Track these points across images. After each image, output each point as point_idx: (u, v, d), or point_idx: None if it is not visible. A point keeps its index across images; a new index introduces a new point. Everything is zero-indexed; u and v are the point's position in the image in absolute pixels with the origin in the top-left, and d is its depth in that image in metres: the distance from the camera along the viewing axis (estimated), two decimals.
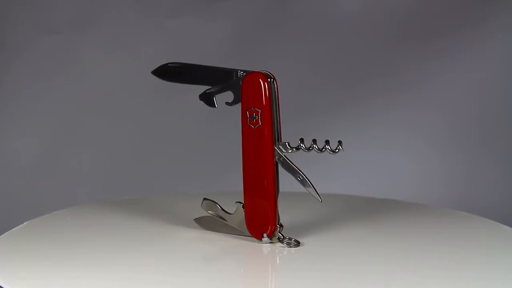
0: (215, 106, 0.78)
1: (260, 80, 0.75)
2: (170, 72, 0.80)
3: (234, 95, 0.76)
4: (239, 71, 0.76)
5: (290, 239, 0.76)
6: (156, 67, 1.50)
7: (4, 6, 1.47)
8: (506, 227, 0.85)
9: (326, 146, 0.74)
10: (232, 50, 1.49)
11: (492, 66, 1.49)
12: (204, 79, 0.78)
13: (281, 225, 0.76)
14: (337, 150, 0.74)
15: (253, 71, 0.76)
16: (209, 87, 0.78)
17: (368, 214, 0.91)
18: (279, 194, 0.76)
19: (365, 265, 0.73)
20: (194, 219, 0.81)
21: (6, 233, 0.80)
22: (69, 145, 1.50)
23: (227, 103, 0.76)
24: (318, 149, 0.74)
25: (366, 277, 0.70)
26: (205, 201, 0.80)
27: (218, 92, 0.77)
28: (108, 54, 1.49)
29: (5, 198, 1.48)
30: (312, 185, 0.74)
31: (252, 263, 0.75)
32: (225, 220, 0.79)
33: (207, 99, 0.78)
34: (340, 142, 0.74)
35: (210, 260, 0.75)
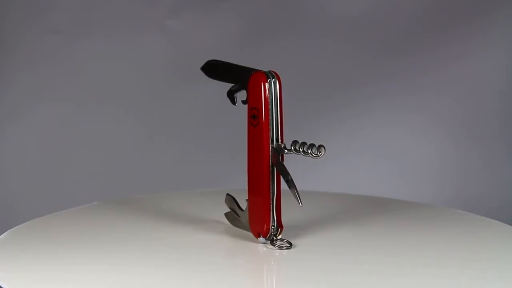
0: (235, 104, 0.78)
1: (260, 80, 0.75)
2: (210, 69, 0.81)
3: (246, 93, 0.77)
4: (253, 70, 0.76)
5: (282, 240, 0.76)
6: (156, 66, 1.51)
7: (4, 6, 1.47)
8: None
9: (309, 151, 0.74)
10: (232, 50, 1.49)
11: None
12: (231, 77, 0.78)
13: (279, 226, 0.76)
14: (316, 155, 0.73)
15: (258, 71, 0.76)
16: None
17: (364, 214, 0.91)
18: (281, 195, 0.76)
19: (357, 267, 0.72)
20: (225, 213, 0.81)
21: (5, 232, 0.80)
22: (69, 144, 1.50)
23: (242, 102, 0.77)
24: (304, 152, 0.74)
25: (356, 279, 0.70)
26: (227, 197, 0.80)
27: (236, 90, 0.78)
28: (108, 53, 1.49)
29: (5, 198, 1.48)
30: (296, 189, 0.74)
31: (237, 264, 0.75)
32: (239, 216, 0.79)
33: (230, 97, 0.78)
34: (319, 147, 0.73)
35: (198, 259, 0.75)
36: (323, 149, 0.73)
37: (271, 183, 0.75)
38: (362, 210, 0.94)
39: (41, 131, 1.49)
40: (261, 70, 0.76)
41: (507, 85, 1.51)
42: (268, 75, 0.75)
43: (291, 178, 0.74)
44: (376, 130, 1.52)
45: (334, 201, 0.96)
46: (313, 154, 0.73)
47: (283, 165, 0.75)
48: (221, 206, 0.92)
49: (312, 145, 0.74)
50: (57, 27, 1.48)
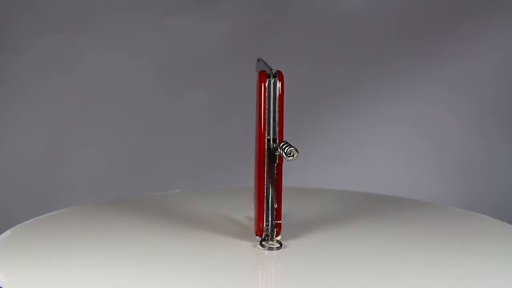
0: None
1: (259, 79, 0.75)
2: (256, 68, 0.81)
3: None
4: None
5: (272, 240, 0.75)
6: (155, 66, 1.51)
7: (4, 6, 1.47)
8: None
9: (282, 152, 0.73)
10: (232, 49, 1.49)
11: None
12: None
13: (276, 227, 0.75)
14: (287, 157, 0.73)
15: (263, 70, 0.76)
16: None
17: (365, 213, 0.90)
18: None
19: (342, 269, 0.72)
20: None
21: (5, 232, 0.80)
22: (69, 144, 1.50)
23: None
24: (281, 152, 0.74)
25: (339, 281, 0.69)
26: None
27: None
28: (108, 53, 1.50)
29: (5, 198, 1.48)
30: (274, 191, 0.74)
31: (219, 263, 0.73)
32: None
33: None
34: (290, 150, 0.73)
35: (187, 258, 0.75)
36: (295, 153, 0.72)
37: (266, 183, 0.75)
38: (363, 208, 0.93)
39: (40, 131, 1.49)
40: (270, 70, 0.75)
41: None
42: (269, 75, 0.75)
43: (274, 181, 0.74)
44: (379, 127, 1.52)
45: (335, 199, 0.96)
46: (286, 155, 0.73)
47: (271, 165, 0.75)
48: (220, 205, 0.92)
49: (286, 147, 0.73)
50: (57, 27, 1.48)
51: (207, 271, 0.71)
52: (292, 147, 0.72)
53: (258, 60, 0.81)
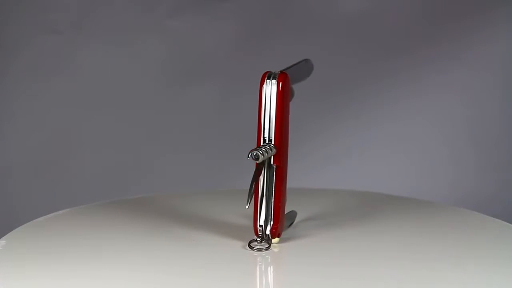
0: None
1: (260, 80, 0.75)
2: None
3: None
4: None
5: (261, 242, 0.75)
6: (156, 67, 1.51)
7: (4, 6, 1.47)
8: None
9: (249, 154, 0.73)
10: (232, 50, 1.49)
11: None
12: None
13: (273, 228, 0.75)
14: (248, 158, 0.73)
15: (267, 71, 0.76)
16: None
17: (365, 212, 0.90)
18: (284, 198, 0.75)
19: (327, 273, 0.71)
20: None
21: (7, 235, 0.81)
22: (69, 145, 1.50)
23: None
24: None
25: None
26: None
27: None
28: (108, 54, 1.50)
29: (5, 198, 1.48)
30: (251, 191, 0.74)
31: (203, 265, 0.73)
32: None
33: None
34: (253, 153, 0.73)
35: (180, 258, 0.75)
36: (259, 156, 0.72)
37: (259, 183, 0.75)
38: (364, 208, 0.92)
39: (39, 131, 1.50)
40: (280, 71, 0.75)
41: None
42: (269, 76, 0.75)
43: (254, 183, 0.74)
44: (380, 127, 1.52)
45: (334, 199, 0.96)
46: (252, 157, 0.73)
47: (257, 168, 0.75)
48: (219, 206, 0.92)
49: (254, 150, 0.73)
50: (57, 27, 1.48)
51: (189, 271, 0.71)
52: (259, 150, 0.72)
53: (306, 61, 0.81)
